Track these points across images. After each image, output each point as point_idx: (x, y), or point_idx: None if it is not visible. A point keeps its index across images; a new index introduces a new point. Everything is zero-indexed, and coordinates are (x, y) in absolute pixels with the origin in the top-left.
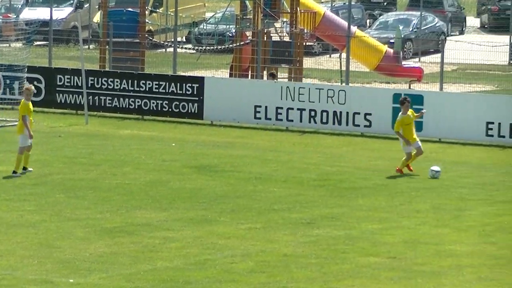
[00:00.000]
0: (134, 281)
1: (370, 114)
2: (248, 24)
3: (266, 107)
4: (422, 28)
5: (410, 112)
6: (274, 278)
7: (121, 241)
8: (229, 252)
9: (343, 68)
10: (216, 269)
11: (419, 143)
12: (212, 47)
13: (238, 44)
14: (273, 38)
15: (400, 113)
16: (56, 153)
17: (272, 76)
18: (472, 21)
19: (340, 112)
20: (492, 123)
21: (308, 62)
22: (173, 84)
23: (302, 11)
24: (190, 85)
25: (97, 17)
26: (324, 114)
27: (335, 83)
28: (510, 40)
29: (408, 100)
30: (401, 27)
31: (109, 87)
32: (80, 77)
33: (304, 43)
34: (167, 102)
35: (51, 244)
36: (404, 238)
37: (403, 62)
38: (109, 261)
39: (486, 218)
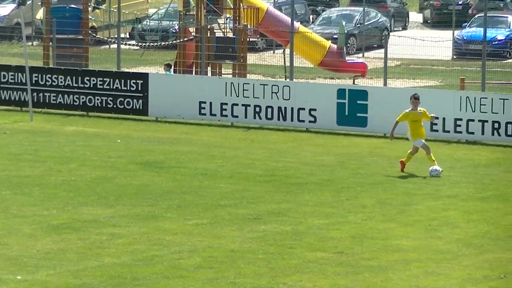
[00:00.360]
0: (82, 278)
1: (315, 110)
2: (192, 20)
3: (211, 103)
4: (365, 24)
5: (421, 110)
6: (222, 273)
7: (68, 237)
8: (176, 248)
9: (287, 64)
10: (163, 265)
11: (420, 143)
12: (155, 43)
13: (181, 40)
14: (217, 34)
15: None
16: (1, 150)
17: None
18: (415, 17)
19: (285, 108)
20: (436, 118)
21: (252, 58)
22: (117, 80)
23: (245, 7)
24: (134, 81)
25: (40, 14)
26: (269, 110)
27: (279, 79)
28: (453, 35)
29: (415, 96)
30: (344, 23)
31: (53, 83)
32: (24, 74)
33: (247, 39)
34: (111, 98)
35: None
36: (351, 233)
37: (347, 58)
38: (57, 258)
39: (432, 212)
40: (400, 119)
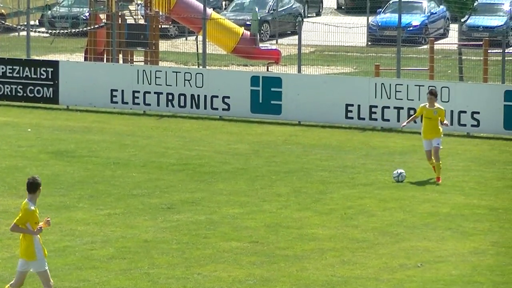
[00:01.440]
0: None
1: (228, 97)
2: (102, 6)
3: (122, 91)
4: (278, 10)
5: (438, 108)
6: (135, 264)
7: None
8: (89, 239)
9: (200, 50)
10: (76, 256)
11: (435, 143)
12: (66, 31)
13: (92, 27)
14: (128, 21)
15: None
16: None
17: None
18: (329, 3)
19: (198, 96)
20: (352, 105)
21: (164, 45)
22: (27, 68)
23: None
24: (44, 69)
25: None
26: (182, 97)
27: (192, 66)
28: (368, 21)
29: (430, 92)
30: (257, 9)
31: None
32: None
33: (159, 26)
34: (21, 86)
35: None
36: (266, 222)
37: (260, 45)
38: None
39: (348, 201)
40: (417, 113)
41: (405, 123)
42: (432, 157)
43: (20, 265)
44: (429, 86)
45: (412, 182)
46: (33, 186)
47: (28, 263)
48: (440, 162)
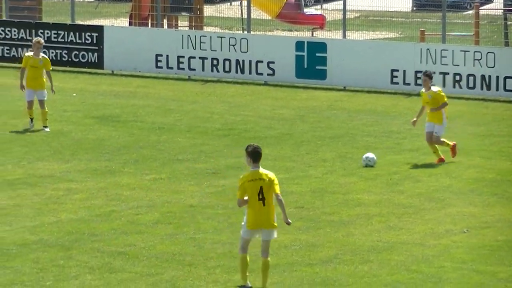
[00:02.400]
0: (38, 234)
1: (273, 63)
2: None
3: (167, 56)
4: None
5: (433, 92)
6: (181, 229)
7: (24, 193)
8: (135, 204)
9: (245, 16)
10: (121, 220)
11: (434, 131)
12: None
13: None
14: None
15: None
16: None
17: None
18: None
19: (243, 61)
20: (397, 70)
21: (208, 10)
22: (72, 33)
23: None
24: (89, 34)
25: None
26: (227, 62)
27: (236, 32)
28: None
29: (425, 74)
30: None
31: (6, 36)
32: None
33: None
34: (66, 51)
35: None
36: (312, 188)
37: (305, 10)
38: (12, 214)
39: (393, 166)
40: (422, 102)
41: (414, 119)
42: (433, 143)
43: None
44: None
45: (458, 147)
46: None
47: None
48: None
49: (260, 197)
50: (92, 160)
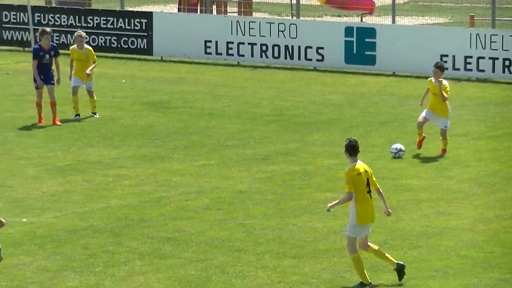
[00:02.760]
0: (88, 220)
1: (322, 48)
2: None
3: (216, 42)
4: None
5: (443, 85)
6: (231, 215)
7: (74, 179)
8: (184, 189)
9: (294, 1)
10: (171, 206)
11: (442, 125)
12: None
13: None
14: None
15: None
16: (4, 91)
17: None
18: None
19: (292, 47)
20: (446, 55)
21: None
22: (121, 19)
23: None
24: (138, 20)
25: None
26: (276, 48)
27: (286, 17)
28: None
29: (436, 65)
30: None
31: (55, 23)
32: (26, 14)
33: None
34: (115, 38)
35: (2, 184)
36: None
37: None
38: (62, 200)
39: None
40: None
41: (421, 103)
42: (440, 136)
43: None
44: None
45: (507, 132)
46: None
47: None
48: (447, 140)
49: (368, 190)
50: (141, 146)
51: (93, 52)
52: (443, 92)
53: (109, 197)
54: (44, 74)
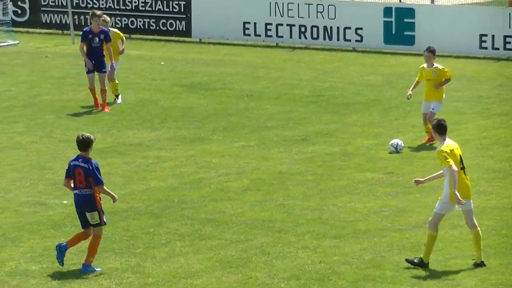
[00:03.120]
0: (129, 202)
1: (361, 29)
2: None
3: (255, 23)
4: None
5: (437, 68)
6: (271, 196)
7: (114, 161)
8: (224, 171)
9: None
10: (211, 188)
11: (431, 107)
12: None
13: None
14: None
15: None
16: (44, 74)
17: None
18: None
19: (331, 27)
20: (486, 35)
21: None
22: (159, 2)
23: None
24: (177, 2)
25: None
26: (314, 29)
27: None
28: None
29: (428, 49)
30: None
31: (94, 6)
32: None
33: None
34: (154, 20)
35: (42, 166)
36: (401, 153)
37: None
38: None
39: (483, 131)
40: (418, 76)
41: (409, 92)
42: (427, 121)
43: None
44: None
45: None
46: None
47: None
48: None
49: (461, 166)
50: (181, 128)
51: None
52: (443, 76)
53: (149, 179)
54: (96, 60)
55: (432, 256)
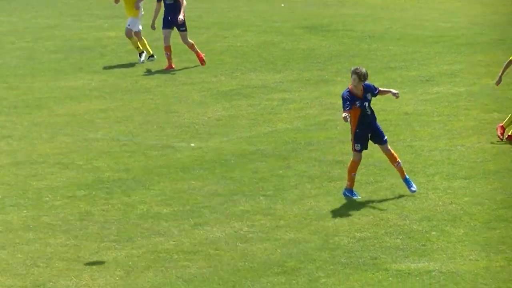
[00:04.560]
0: (255, 144)
1: None
2: None
3: None
4: None
5: None
6: (398, 137)
7: (239, 104)
8: None
9: None
10: (337, 129)
11: None
12: None
13: None
14: None
15: None
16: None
17: None
18: None
19: None
20: None
21: None
22: None
23: None
24: None
25: None
26: None
27: None
28: None
29: None
30: None
31: None
32: None
33: None
34: None
35: (168, 109)
36: None
37: None
38: (228, 125)
39: None
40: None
41: (498, 80)
42: None
43: None
44: None
45: None
46: None
47: None
48: None
49: None
50: (304, 70)
51: None
52: None
53: (275, 121)
54: (173, 17)
55: None
